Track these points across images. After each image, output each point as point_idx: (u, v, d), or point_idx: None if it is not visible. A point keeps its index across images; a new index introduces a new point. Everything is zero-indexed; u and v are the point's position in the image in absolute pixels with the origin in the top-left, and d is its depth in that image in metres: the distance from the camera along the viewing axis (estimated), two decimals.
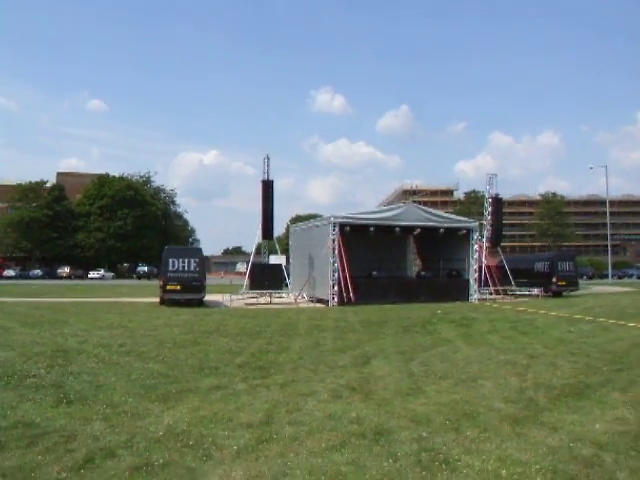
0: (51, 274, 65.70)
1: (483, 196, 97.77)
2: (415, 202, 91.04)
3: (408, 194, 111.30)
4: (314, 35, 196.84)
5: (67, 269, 67.54)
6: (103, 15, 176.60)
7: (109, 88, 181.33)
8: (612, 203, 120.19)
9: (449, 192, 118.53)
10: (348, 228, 24.93)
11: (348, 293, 23.58)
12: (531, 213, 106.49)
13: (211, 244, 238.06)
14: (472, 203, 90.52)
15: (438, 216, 27.89)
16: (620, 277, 75.05)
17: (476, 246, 27.90)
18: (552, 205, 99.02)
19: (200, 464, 4.53)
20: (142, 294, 29.50)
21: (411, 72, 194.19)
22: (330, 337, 12.89)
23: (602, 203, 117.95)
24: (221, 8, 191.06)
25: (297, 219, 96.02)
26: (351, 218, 25.51)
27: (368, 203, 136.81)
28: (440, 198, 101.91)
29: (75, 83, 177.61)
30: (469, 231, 27.81)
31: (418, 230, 27.43)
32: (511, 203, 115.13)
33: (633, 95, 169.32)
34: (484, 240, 33.24)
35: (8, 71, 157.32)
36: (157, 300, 23.08)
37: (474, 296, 27.19)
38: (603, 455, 4.83)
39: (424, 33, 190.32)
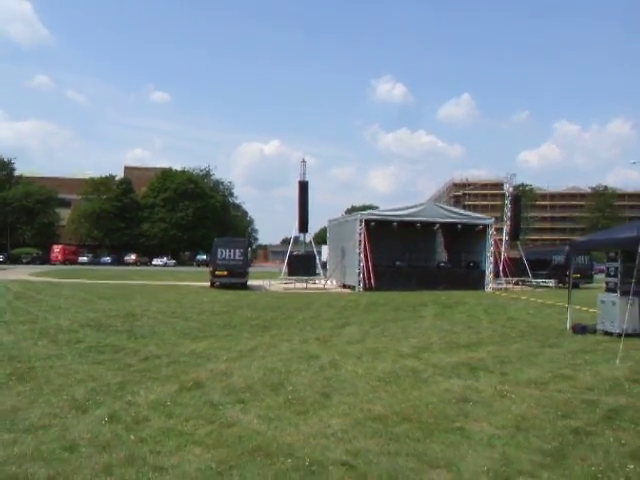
0: (119, 261, 72.19)
1: (531, 189, 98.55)
2: (465, 194, 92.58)
3: (459, 187, 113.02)
4: (375, 24, 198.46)
5: (133, 256, 74.03)
6: (167, 8, 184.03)
7: (173, 80, 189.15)
8: None
9: (499, 185, 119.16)
10: (373, 224, 28.55)
11: (370, 280, 27.25)
12: (582, 206, 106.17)
13: (271, 233, 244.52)
14: (520, 196, 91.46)
15: (456, 213, 31.18)
16: None
17: (491, 240, 30.90)
18: (603, 198, 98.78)
19: (204, 362, 8.39)
20: (198, 279, 33.93)
21: (473, 60, 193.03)
22: (332, 312, 16.68)
23: None
24: None
25: (352, 210, 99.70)
26: (376, 215, 29.26)
27: (428, 193, 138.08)
28: (490, 191, 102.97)
29: (141, 76, 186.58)
30: (486, 226, 30.84)
31: (437, 225, 30.71)
32: (563, 196, 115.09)
33: None
34: (505, 234, 36.20)
35: (78, 67, 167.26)
36: (208, 284, 27.34)
37: (489, 285, 30.27)
38: (438, 371, 8.38)
39: (486, 23, 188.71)
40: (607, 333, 12.35)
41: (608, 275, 13.29)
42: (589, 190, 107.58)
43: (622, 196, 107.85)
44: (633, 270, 10.26)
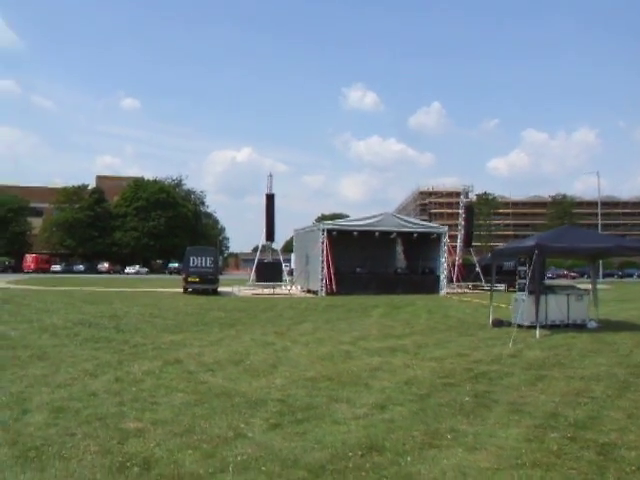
0: (92, 269, 73.33)
1: (494, 198, 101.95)
2: (431, 202, 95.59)
3: (424, 195, 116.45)
4: (345, 32, 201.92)
5: (106, 265, 75.34)
6: (136, 15, 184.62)
7: (143, 87, 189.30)
8: (627, 204, 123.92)
9: (466, 193, 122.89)
10: (335, 233, 30.95)
11: (332, 285, 29.60)
12: (543, 214, 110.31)
13: (242, 240, 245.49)
14: (482, 204, 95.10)
15: (412, 223, 33.79)
16: (621, 276, 79.10)
17: (445, 247, 33.51)
18: (562, 207, 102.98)
19: (181, 347, 10.58)
20: (171, 286, 35.82)
21: (443, 69, 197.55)
22: (292, 312, 18.94)
23: (616, 204, 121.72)
24: (254, 6, 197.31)
25: (322, 218, 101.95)
26: (338, 225, 31.69)
27: (398, 200, 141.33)
28: (455, 199, 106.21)
29: (111, 83, 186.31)
30: (440, 235, 33.45)
31: (394, 234, 33.22)
32: (525, 204, 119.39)
33: None
34: (459, 242, 38.91)
35: (46, 72, 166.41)
36: (181, 290, 29.34)
37: (443, 290, 32.83)
38: (355, 350, 10.68)
39: (456, 30, 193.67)
40: (519, 326, 14.77)
41: (519, 277, 15.83)
42: (549, 198, 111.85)
43: (580, 204, 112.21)
44: (538, 272, 12.82)
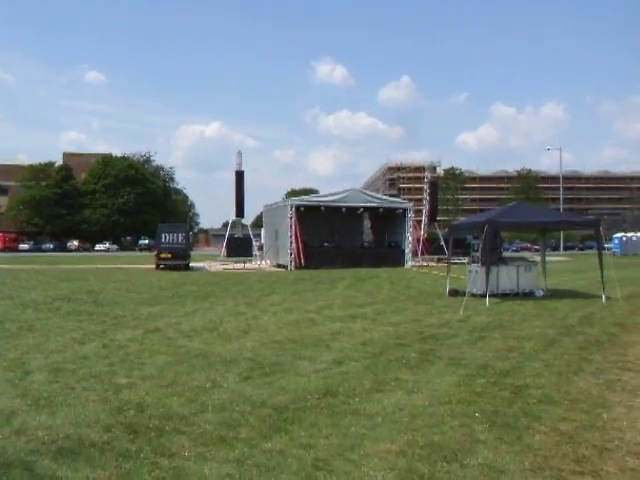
0: (61, 247, 73.01)
1: (461, 173, 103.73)
2: (399, 177, 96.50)
3: (393, 170, 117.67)
4: (313, 5, 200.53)
5: (76, 242, 75.08)
6: None
7: (108, 60, 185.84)
8: (589, 179, 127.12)
9: (433, 168, 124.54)
10: (302, 209, 31.87)
11: (300, 259, 30.60)
12: (509, 188, 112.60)
13: (212, 217, 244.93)
14: (450, 179, 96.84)
15: (378, 198, 34.90)
16: (581, 249, 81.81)
17: (410, 222, 34.70)
18: (526, 181, 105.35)
19: (159, 318, 11.48)
20: (143, 262, 36.38)
21: (412, 42, 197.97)
22: (262, 285, 19.91)
23: (579, 179, 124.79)
24: None
25: (292, 193, 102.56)
26: (305, 201, 32.59)
27: (368, 174, 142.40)
28: (423, 174, 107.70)
29: (74, 56, 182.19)
30: (404, 210, 34.60)
31: (361, 210, 34.27)
32: (491, 179, 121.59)
33: (638, 66, 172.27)
34: (424, 216, 40.18)
35: (4, 43, 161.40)
36: (153, 266, 30.03)
37: (409, 263, 34.09)
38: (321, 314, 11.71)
39: (426, 3, 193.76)
40: (473, 295, 16.00)
41: (473, 250, 17.01)
42: (515, 173, 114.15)
43: (545, 179, 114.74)
44: (488, 245, 13.97)
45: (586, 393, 6.11)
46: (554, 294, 16.49)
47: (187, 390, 6.09)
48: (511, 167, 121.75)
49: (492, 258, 16.03)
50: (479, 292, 15.46)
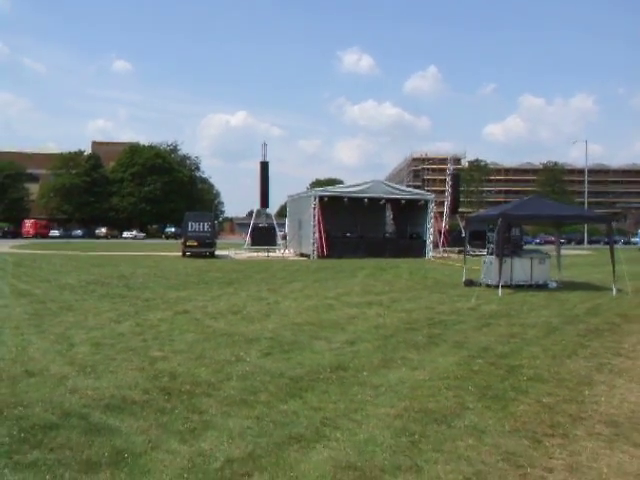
0: (90, 234, 74.87)
1: (486, 165, 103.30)
2: (424, 169, 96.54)
3: (417, 161, 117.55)
4: None
5: (104, 230, 76.84)
6: None
7: (135, 49, 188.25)
8: (617, 172, 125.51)
9: (457, 160, 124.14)
10: (326, 199, 32.56)
11: (323, 249, 31.33)
12: (535, 180, 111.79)
13: (237, 206, 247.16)
14: (475, 171, 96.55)
15: (400, 190, 35.44)
16: (607, 243, 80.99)
17: (431, 214, 35.15)
18: (552, 174, 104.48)
19: (187, 302, 12.27)
20: (169, 250, 37.43)
21: (439, 32, 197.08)
22: (284, 273, 20.67)
23: (607, 172, 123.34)
24: None
25: (317, 184, 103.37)
26: (329, 192, 33.32)
27: (393, 165, 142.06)
28: (447, 165, 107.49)
29: (102, 45, 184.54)
30: (427, 202, 35.06)
31: (383, 201, 34.83)
32: (517, 171, 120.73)
33: None
34: (446, 208, 40.56)
35: (34, 33, 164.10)
36: (180, 254, 31.00)
37: (430, 254, 34.58)
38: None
39: None
40: (488, 285, 16.56)
41: (489, 242, 17.52)
42: (541, 166, 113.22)
43: (572, 171, 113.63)
44: (502, 237, 14.50)
45: (574, 373, 6.71)
46: (567, 286, 16.94)
47: (214, 363, 6.83)
48: (538, 160, 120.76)
49: (506, 250, 16.56)
50: (493, 283, 15.99)
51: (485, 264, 16.86)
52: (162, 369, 6.48)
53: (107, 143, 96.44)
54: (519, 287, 16.36)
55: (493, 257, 16.52)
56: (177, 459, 4.01)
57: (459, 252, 38.43)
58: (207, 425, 4.69)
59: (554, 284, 16.80)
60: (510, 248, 17.23)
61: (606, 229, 15.82)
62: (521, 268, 16.74)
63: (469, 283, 16.98)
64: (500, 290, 14.80)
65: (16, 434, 4.39)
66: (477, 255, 38.03)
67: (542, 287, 16.59)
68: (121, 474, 3.76)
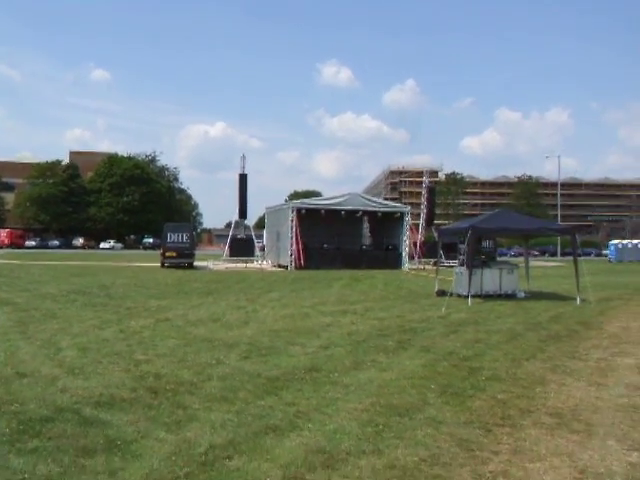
0: (67, 244, 74.46)
1: (462, 178, 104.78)
2: (401, 181, 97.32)
3: (395, 174, 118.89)
4: (319, 7, 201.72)
5: (81, 240, 76.48)
6: None
7: (114, 59, 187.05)
8: (589, 185, 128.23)
9: (434, 173, 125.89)
10: (303, 211, 33.10)
11: (300, 260, 31.81)
12: (510, 194, 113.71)
13: (215, 217, 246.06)
14: (451, 184, 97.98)
15: (377, 202, 36.11)
16: (579, 255, 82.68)
17: (407, 226, 35.85)
18: (527, 187, 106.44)
19: (168, 310, 12.67)
20: (148, 261, 37.60)
21: (418, 46, 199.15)
22: (262, 284, 21.11)
23: (579, 186, 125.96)
24: None
25: (295, 195, 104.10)
26: (306, 204, 33.81)
27: (371, 177, 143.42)
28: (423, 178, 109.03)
29: (80, 54, 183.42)
30: (402, 214, 35.78)
31: (360, 213, 35.48)
32: (492, 184, 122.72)
33: None
34: (421, 220, 41.35)
35: (10, 40, 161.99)
36: (159, 264, 31.24)
37: (405, 265, 35.24)
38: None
39: (432, 7, 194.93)
40: (459, 295, 17.17)
41: (459, 254, 18.18)
42: (516, 179, 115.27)
43: (546, 185, 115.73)
44: (471, 249, 15.13)
45: (530, 374, 7.29)
46: (535, 296, 17.64)
47: (195, 365, 7.28)
48: (515, 173, 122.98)
49: (476, 261, 17.23)
50: (464, 293, 16.60)
51: (456, 275, 17.48)
52: (147, 371, 6.91)
53: (85, 153, 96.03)
54: (489, 297, 17.01)
55: (464, 268, 17.16)
56: (165, 446, 4.47)
57: (434, 264, 39.31)
58: (191, 418, 5.15)
59: (522, 294, 17.48)
60: (480, 259, 17.90)
61: (570, 241, 16.54)
62: (491, 278, 17.41)
63: (441, 293, 17.56)
64: (470, 299, 15.43)
65: (15, 426, 4.81)
66: (451, 266, 38.98)
67: (511, 297, 17.25)
68: (115, 458, 4.21)
